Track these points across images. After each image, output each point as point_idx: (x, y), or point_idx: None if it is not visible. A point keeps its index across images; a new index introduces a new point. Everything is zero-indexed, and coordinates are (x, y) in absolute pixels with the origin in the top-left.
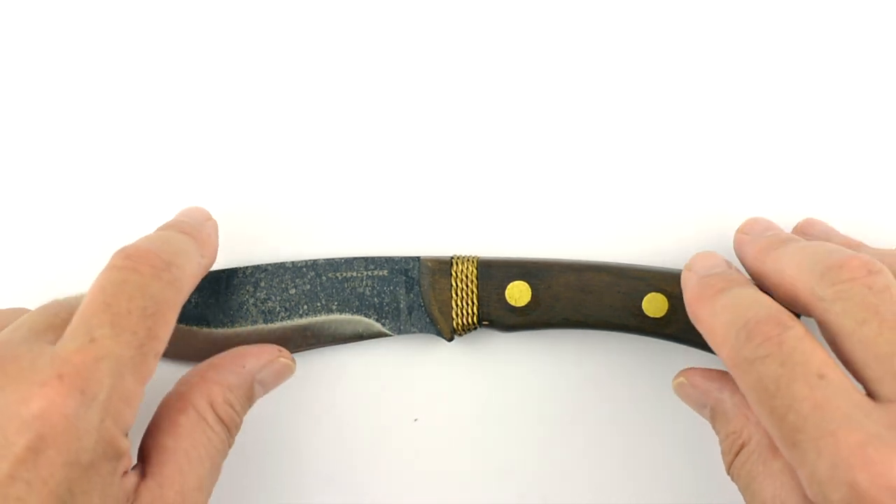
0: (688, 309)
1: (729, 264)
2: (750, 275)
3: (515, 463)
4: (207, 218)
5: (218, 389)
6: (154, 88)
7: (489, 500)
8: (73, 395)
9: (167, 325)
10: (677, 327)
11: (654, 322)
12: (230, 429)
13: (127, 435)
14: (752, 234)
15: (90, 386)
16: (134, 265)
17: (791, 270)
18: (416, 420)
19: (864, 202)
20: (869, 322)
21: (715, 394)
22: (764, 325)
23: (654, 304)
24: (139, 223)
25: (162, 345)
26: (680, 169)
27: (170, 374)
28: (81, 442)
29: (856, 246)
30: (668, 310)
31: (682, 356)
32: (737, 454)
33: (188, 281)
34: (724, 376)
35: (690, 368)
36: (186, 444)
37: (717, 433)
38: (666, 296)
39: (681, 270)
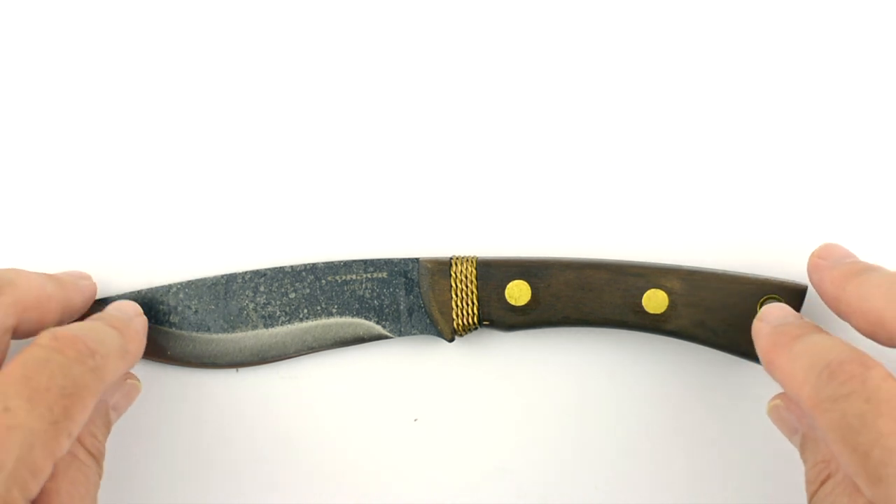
0: (763, 358)
1: (800, 316)
2: (826, 300)
3: (515, 463)
4: (137, 314)
5: None
6: (154, 93)
7: (489, 500)
8: None
9: (84, 409)
10: (677, 323)
11: (654, 318)
12: (99, 460)
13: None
14: (829, 260)
15: None
16: (60, 346)
17: (879, 299)
18: (415, 420)
19: (864, 201)
20: None
21: (808, 420)
22: (847, 365)
23: (653, 301)
24: (139, 226)
25: (76, 427)
26: (678, 165)
27: (173, 379)
28: None
29: None
30: (668, 306)
31: (683, 352)
32: (822, 484)
33: (110, 372)
34: None
35: (785, 393)
36: (65, 484)
37: (805, 461)
38: (666, 292)
39: (679, 266)
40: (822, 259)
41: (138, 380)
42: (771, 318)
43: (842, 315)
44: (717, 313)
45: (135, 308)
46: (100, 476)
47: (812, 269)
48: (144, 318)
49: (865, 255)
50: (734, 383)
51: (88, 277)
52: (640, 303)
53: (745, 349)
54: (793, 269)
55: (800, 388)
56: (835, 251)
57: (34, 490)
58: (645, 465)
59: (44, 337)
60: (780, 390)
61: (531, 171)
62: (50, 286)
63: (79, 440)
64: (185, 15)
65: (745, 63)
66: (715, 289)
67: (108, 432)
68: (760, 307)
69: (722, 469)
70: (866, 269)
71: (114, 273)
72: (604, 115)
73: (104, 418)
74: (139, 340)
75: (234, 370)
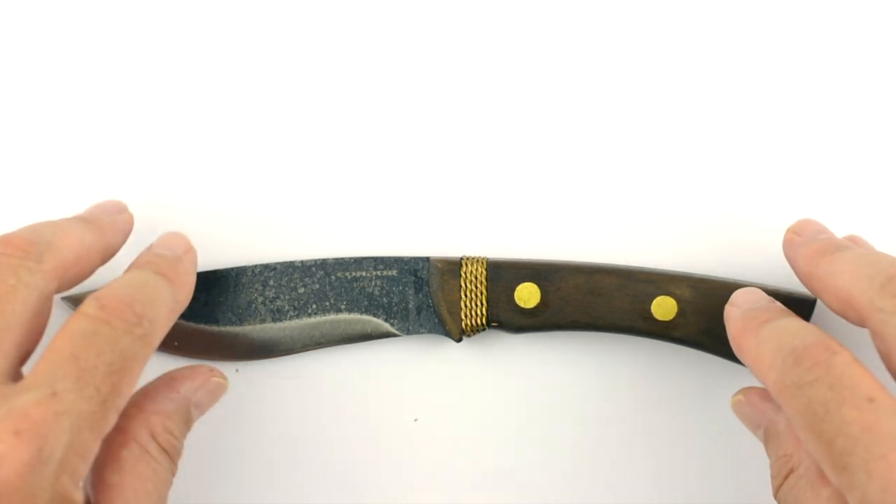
0: (732, 343)
1: (771, 299)
2: (800, 277)
3: (516, 464)
4: (187, 249)
5: (157, 419)
6: (167, 86)
7: (489, 500)
8: (29, 452)
9: (132, 381)
10: (686, 331)
11: (663, 325)
12: (173, 457)
13: (80, 484)
14: (804, 236)
15: (48, 443)
16: (107, 317)
17: (848, 276)
18: (415, 420)
19: (871, 205)
20: None
21: (770, 415)
22: (812, 350)
23: (662, 308)
24: (150, 218)
25: (123, 401)
26: (690, 172)
27: None
28: (35, 499)
29: None
30: (677, 313)
31: (690, 359)
32: (786, 478)
33: (159, 333)
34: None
35: (750, 387)
36: (131, 479)
37: (769, 456)
38: (675, 299)
39: (689, 274)
40: (797, 235)
41: (225, 378)
42: (741, 301)
43: (814, 292)
44: None
45: (184, 242)
46: (172, 474)
47: (787, 244)
48: (194, 250)
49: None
50: None
51: (124, 209)
52: (649, 309)
53: None
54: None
55: (766, 374)
56: (809, 227)
57: (83, 472)
58: (647, 470)
59: (90, 306)
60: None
61: (544, 174)
62: (89, 236)
63: (152, 436)
64: (195, 13)
65: (757, 69)
66: (724, 297)
67: (188, 430)
68: None
69: (724, 474)
70: (839, 247)
71: (124, 264)
72: (616, 120)
73: (184, 415)
74: (189, 285)
75: (234, 370)
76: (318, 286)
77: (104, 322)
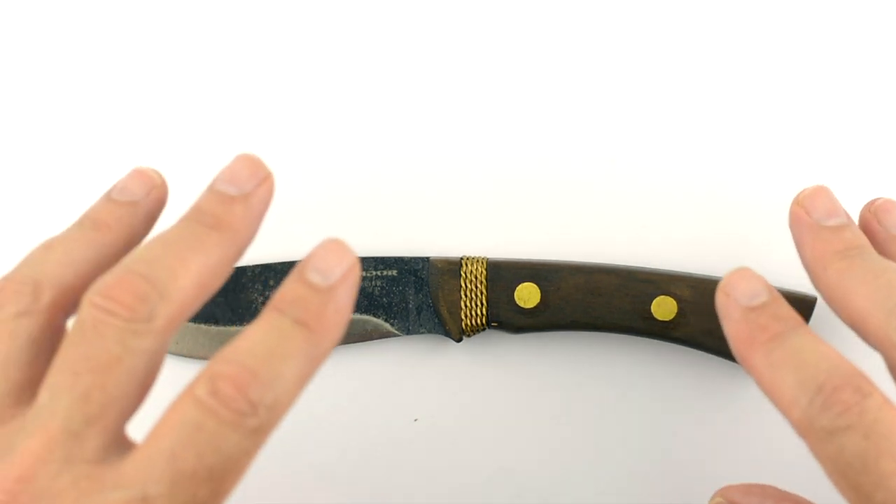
0: (733, 347)
1: (771, 290)
2: (804, 265)
3: (516, 464)
4: (349, 269)
5: None
6: (163, 88)
7: (489, 500)
8: None
9: (237, 479)
10: (686, 331)
11: (663, 325)
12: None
13: None
14: (813, 215)
15: None
16: (216, 407)
17: (862, 301)
18: (415, 420)
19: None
20: None
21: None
22: (842, 393)
23: (662, 308)
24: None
25: (224, 501)
26: (690, 172)
27: (173, 377)
28: None
29: None
30: (677, 313)
31: (691, 359)
32: None
33: (280, 415)
34: (763, 490)
35: (728, 486)
36: None
37: None
38: (675, 299)
39: (689, 274)
40: (806, 211)
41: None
42: (738, 293)
43: (819, 292)
44: None
45: (345, 260)
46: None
47: (793, 219)
48: (356, 271)
49: None
50: (739, 392)
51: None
52: (649, 309)
53: None
54: (803, 280)
55: (787, 409)
56: (820, 202)
57: None
58: (647, 470)
59: (201, 385)
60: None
61: (543, 175)
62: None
63: None
64: (198, 13)
65: (757, 70)
66: None
67: None
68: None
69: (724, 474)
70: (853, 251)
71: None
72: (616, 120)
73: None
74: (338, 325)
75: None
76: None
77: (212, 414)
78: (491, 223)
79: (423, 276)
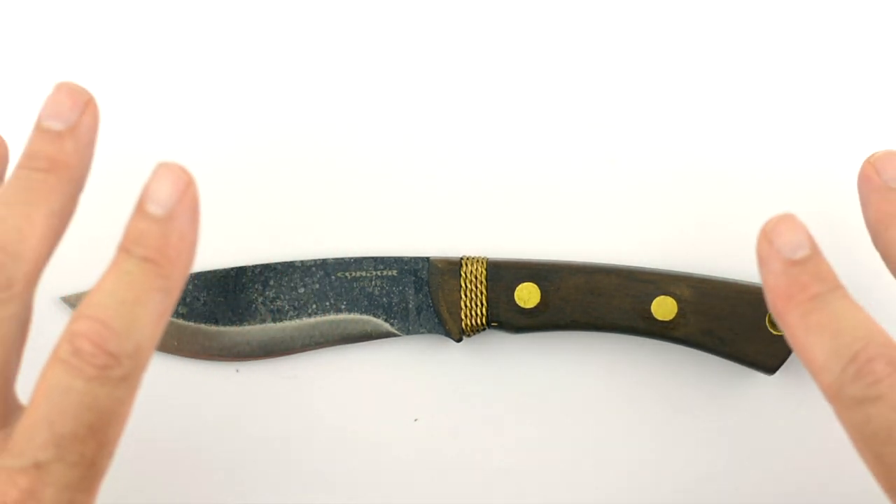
0: (769, 297)
1: (813, 242)
2: (866, 223)
3: (517, 463)
4: (185, 189)
5: None
6: (162, 88)
7: (489, 500)
8: None
9: (120, 426)
10: (686, 331)
11: (663, 325)
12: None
13: None
14: (884, 177)
15: None
16: (79, 365)
17: None
18: (415, 420)
19: None
20: None
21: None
22: (875, 364)
23: (663, 308)
24: None
25: (115, 447)
26: (690, 171)
27: (173, 378)
28: None
29: None
30: (677, 313)
31: (691, 360)
32: None
33: (146, 358)
34: None
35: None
36: None
37: None
38: (675, 299)
39: (689, 274)
40: (876, 171)
41: None
42: (781, 242)
43: (876, 246)
44: (726, 322)
45: (176, 183)
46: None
47: (862, 179)
48: (192, 192)
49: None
50: (740, 391)
51: (84, 98)
52: (649, 309)
53: (752, 359)
54: None
55: (818, 373)
56: (891, 166)
57: None
58: (647, 470)
59: (63, 348)
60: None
61: (544, 174)
62: (56, 201)
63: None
64: (197, 12)
65: (757, 68)
66: (724, 297)
67: None
68: (769, 318)
69: (724, 475)
70: None
71: None
72: (616, 119)
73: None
74: (185, 252)
75: (234, 370)
76: (318, 286)
77: (77, 373)
78: (491, 223)
79: (422, 276)
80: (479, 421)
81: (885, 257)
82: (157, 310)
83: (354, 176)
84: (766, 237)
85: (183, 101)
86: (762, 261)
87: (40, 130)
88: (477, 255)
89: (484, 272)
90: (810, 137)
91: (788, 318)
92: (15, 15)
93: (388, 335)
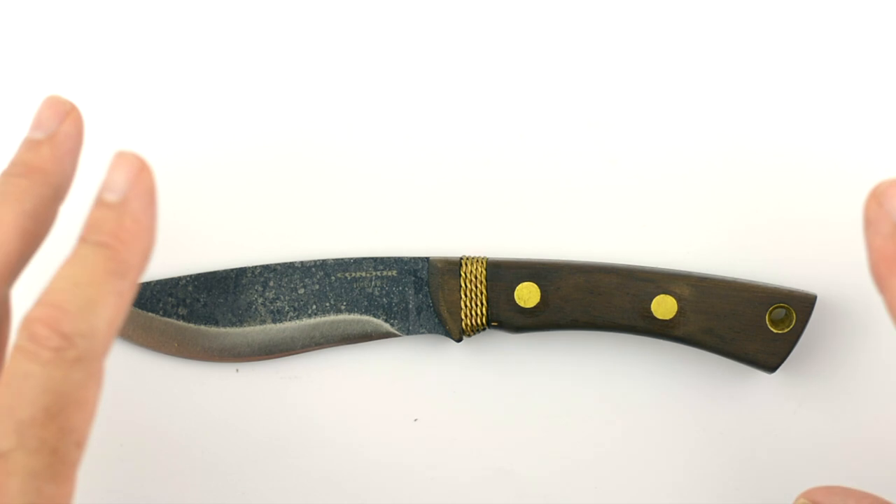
0: (872, 261)
1: None
2: (869, 261)
3: (517, 463)
4: (138, 172)
5: None
6: (161, 87)
7: (489, 500)
8: None
9: (84, 411)
10: (686, 330)
11: (663, 324)
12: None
13: None
14: (886, 208)
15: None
16: (34, 349)
17: None
18: (415, 420)
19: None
20: None
21: None
22: None
23: (663, 307)
24: None
25: (81, 436)
26: (690, 171)
27: (173, 378)
28: None
29: None
30: (677, 312)
31: (691, 359)
32: None
33: (102, 341)
34: (845, 492)
35: (813, 489)
36: None
37: None
38: (675, 298)
39: (689, 272)
40: (880, 205)
41: None
42: (893, 207)
43: (878, 291)
44: (726, 321)
45: (129, 170)
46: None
47: (868, 213)
48: (146, 178)
49: None
50: (740, 390)
51: (66, 107)
52: (649, 308)
53: (752, 357)
54: (803, 279)
55: None
56: (894, 200)
57: None
58: (646, 469)
59: (21, 335)
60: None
61: (543, 173)
62: (28, 200)
63: None
64: (197, 13)
65: (758, 66)
66: (724, 296)
67: None
68: (769, 317)
69: (724, 474)
70: None
71: None
72: (615, 118)
73: None
74: (140, 235)
75: (234, 370)
76: (317, 287)
77: (33, 357)
78: (491, 223)
79: (422, 276)
80: (478, 421)
81: (887, 301)
82: (112, 292)
83: (354, 176)
84: (877, 199)
85: (183, 102)
86: (869, 222)
87: (23, 142)
88: (477, 255)
89: (484, 272)
90: (811, 137)
91: (890, 282)
92: (14, 15)
93: (388, 335)
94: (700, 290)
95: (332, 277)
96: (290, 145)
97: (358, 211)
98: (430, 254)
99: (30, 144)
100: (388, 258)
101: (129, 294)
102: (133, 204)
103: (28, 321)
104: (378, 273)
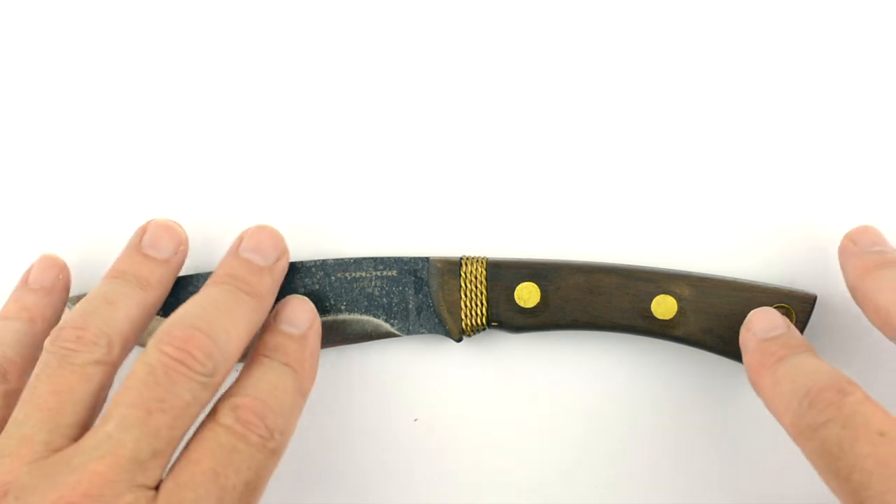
0: (748, 374)
1: (788, 324)
2: (847, 285)
3: (517, 463)
4: (312, 321)
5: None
6: (163, 90)
7: (489, 500)
8: None
9: (261, 495)
10: (685, 329)
11: (663, 324)
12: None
13: None
14: (859, 245)
15: None
16: (243, 432)
17: (888, 296)
18: (415, 420)
19: (872, 205)
20: None
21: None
22: (825, 393)
23: (662, 307)
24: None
25: None
26: (690, 171)
27: None
28: None
29: None
30: (677, 312)
31: (691, 358)
32: None
33: (287, 441)
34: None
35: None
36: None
37: None
38: (675, 298)
39: (689, 272)
40: (853, 243)
41: None
42: (758, 328)
43: (858, 303)
44: (726, 321)
45: (309, 313)
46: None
47: (842, 251)
48: (318, 321)
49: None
50: (739, 390)
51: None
52: (649, 308)
53: None
54: (803, 279)
55: (782, 415)
56: (866, 236)
57: None
58: (646, 469)
59: (226, 416)
60: None
61: (543, 173)
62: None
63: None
64: (197, 17)
65: (758, 67)
66: (724, 296)
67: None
68: None
69: (723, 473)
70: (888, 264)
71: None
72: (616, 118)
73: None
74: (315, 369)
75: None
76: (318, 287)
77: (241, 438)
78: (491, 223)
79: (422, 277)
80: (479, 421)
81: (864, 306)
82: (299, 406)
83: (354, 176)
84: (745, 327)
85: (183, 102)
86: (743, 347)
87: (241, 259)
88: (477, 255)
89: (484, 272)
90: (811, 137)
91: (761, 383)
92: (13, 17)
93: (388, 335)
94: (700, 290)
95: (332, 277)
96: (291, 146)
97: (358, 210)
98: (430, 254)
99: (251, 267)
100: (388, 258)
101: (300, 412)
102: (311, 339)
103: (234, 406)
104: (378, 273)
